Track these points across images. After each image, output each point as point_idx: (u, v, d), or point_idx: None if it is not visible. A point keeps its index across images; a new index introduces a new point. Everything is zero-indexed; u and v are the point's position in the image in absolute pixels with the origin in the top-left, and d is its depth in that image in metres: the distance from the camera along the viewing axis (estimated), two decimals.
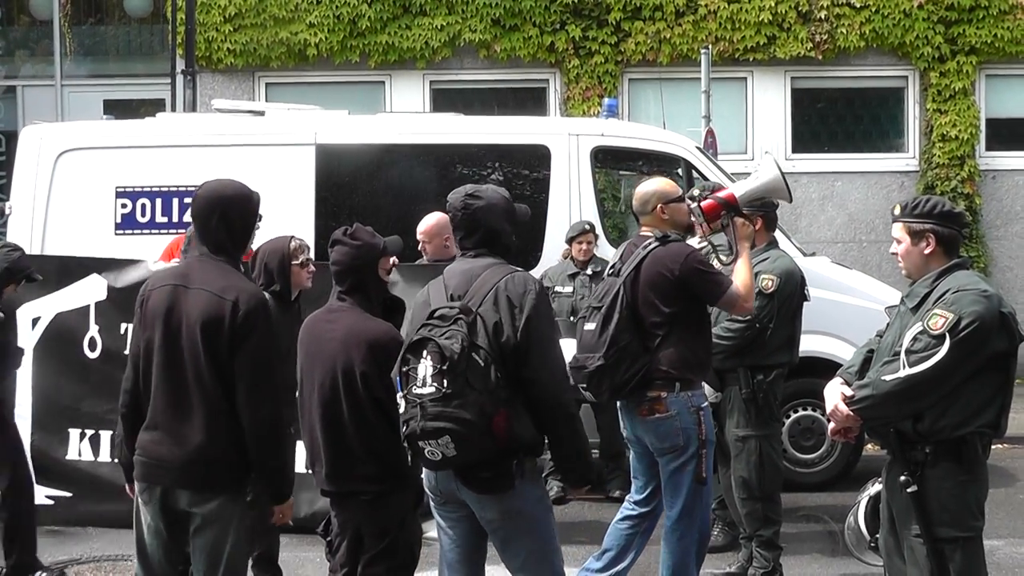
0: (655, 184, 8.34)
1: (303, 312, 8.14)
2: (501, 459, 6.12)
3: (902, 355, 6.07)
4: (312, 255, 8.90)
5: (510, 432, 6.05)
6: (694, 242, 8.39)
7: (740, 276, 8.02)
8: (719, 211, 8.06)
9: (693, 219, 8.16)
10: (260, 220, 7.28)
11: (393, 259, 7.70)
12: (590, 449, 6.74)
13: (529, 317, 6.15)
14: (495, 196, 6.70)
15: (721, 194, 8.25)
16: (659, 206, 8.06)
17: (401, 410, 6.11)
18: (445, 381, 5.90)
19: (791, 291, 9.44)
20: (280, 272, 8.46)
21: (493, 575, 7.01)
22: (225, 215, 6.38)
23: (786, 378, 9.84)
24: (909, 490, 6.19)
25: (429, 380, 5.96)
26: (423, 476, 6.65)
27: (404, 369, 6.11)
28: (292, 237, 8.86)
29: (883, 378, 6.14)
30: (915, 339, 6.06)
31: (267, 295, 6.66)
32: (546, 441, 6.42)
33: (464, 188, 6.73)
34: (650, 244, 7.83)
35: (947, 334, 5.93)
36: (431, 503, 6.71)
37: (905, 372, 6.02)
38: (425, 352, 6.00)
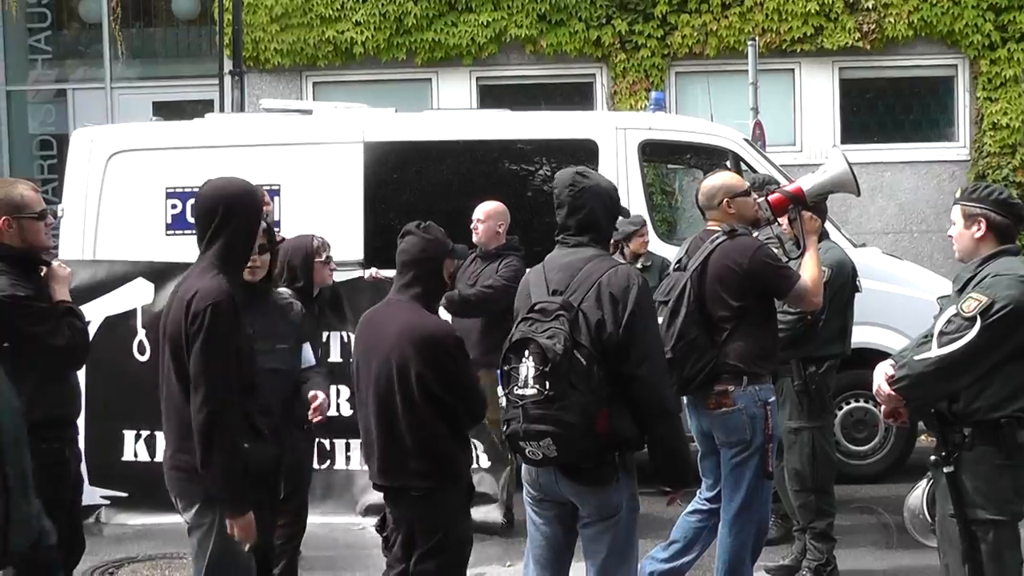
0: (721, 178, 8.30)
1: (325, 309, 8.24)
2: (603, 453, 6.15)
3: (934, 336, 6.24)
4: (361, 254, 8.92)
5: (612, 429, 6.09)
6: (762, 236, 8.36)
7: (808, 270, 8.02)
8: (786, 205, 8.09)
9: (760, 213, 8.12)
10: (267, 219, 7.41)
11: (457, 262, 7.98)
12: (688, 448, 6.71)
13: (632, 313, 6.14)
14: (603, 181, 6.75)
15: (789, 188, 8.31)
16: (725, 200, 8.01)
17: (502, 408, 6.27)
18: (547, 383, 5.93)
19: (842, 282, 9.37)
20: (303, 269, 8.60)
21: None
22: (231, 212, 6.36)
23: (838, 369, 9.78)
24: (945, 470, 6.34)
25: (531, 382, 6.01)
26: (522, 469, 6.65)
27: (506, 368, 6.20)
28: (314, 236, 8.96)
29: (915, 358, 6.31)
30: (949, 321, 6.22)
31: (230, 295, 6.12)
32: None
33: (574, 168, 6.77)
34: (717, 238, 7.79)
35: (978, 316, 6.06)
36: (526, 499, 6.73)
37: (936, 353, 6.18)
38: (527, 352, 6.05)
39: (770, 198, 8.17)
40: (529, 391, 6.00)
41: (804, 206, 8.22)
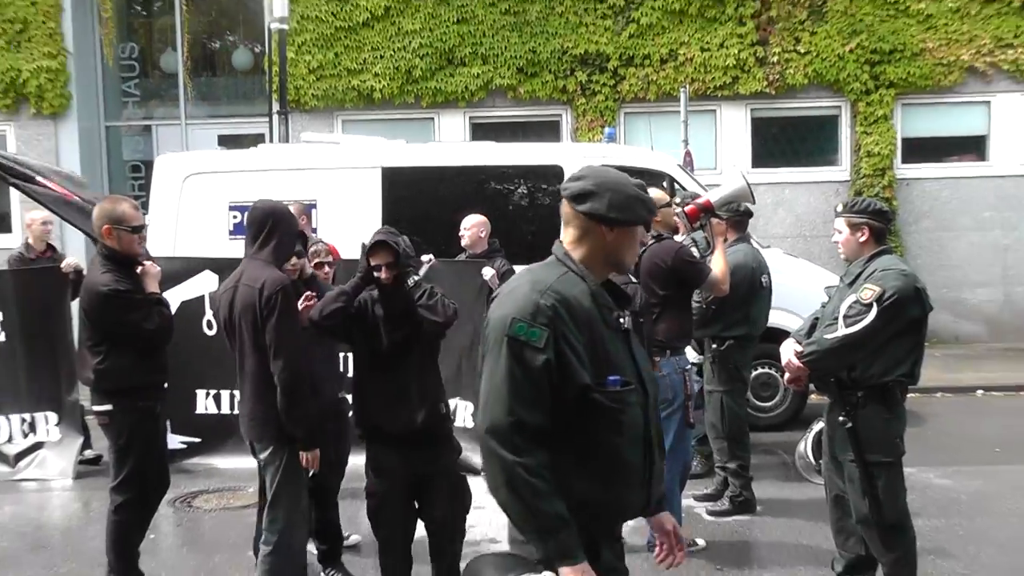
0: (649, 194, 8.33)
1: None
2: None
3: (840, 319, 6.38)
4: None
5: None
6: (680, 239, 8.70)
7: (717, 265, 8.40)
8: (699, 214, 8.38)
9: (678, 221, 8.48)
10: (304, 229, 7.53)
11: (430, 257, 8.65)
12: None
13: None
14: None
15: (700, 200, 8.51)
16: None
17: None
18: None
19: (741, 278, 9.48)
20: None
21: None
22: (280, 223, 6.80)
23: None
24: (846, 426, 6.51)
25: None
26: None
27: None
28: (320, 240, 9.07)
29: (825, 336, 6.43)
30: (850, 307, 6.37)
31: (290, 283, 6.72)
32: None
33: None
34: (647, 242, 7.96)
35: (875, 303, 6.29)
36: None
37: (842, 332, 6.34)
38: None
39: (686, 209, 8.47)
40: None
41: (712, 214, 8.55)
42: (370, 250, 6.55)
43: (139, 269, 7.25)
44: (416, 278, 6.54)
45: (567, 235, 3.87)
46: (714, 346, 9.81)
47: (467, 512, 6.70)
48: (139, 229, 7.23)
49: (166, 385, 7.64)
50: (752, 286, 9.75)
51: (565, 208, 3.85)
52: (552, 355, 3.51)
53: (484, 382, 3.63)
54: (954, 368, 16.21)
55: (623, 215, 3.75)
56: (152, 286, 7.28)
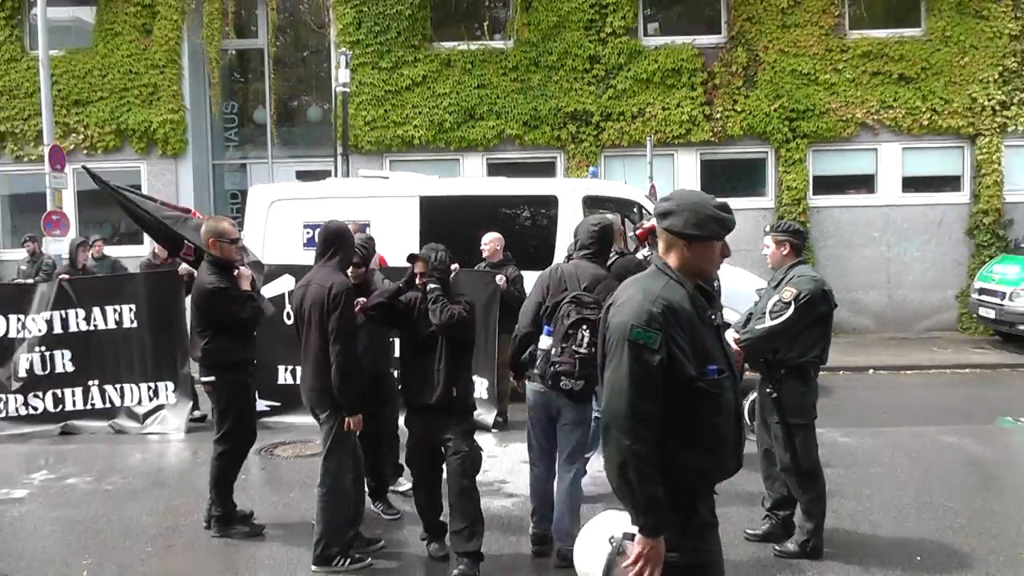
0: (610, 219, 8.29)
1: None
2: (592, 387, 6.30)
3: (767, 314, 6.56)
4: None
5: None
6: (641, 254, 8.67)
7: None
8: (647, 236, 8.41)
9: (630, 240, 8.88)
10: (365, 243, 7.59)
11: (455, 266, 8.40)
12: None
13: None
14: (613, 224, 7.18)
15: (647, 225, 8.44)
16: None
17: (556, 354, 6.36)
18: (592, 349, 6.05)
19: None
20: None
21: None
22: (343, 239, 6.91)
23: None
24: (772, 396, 6.74)
25: (585, 346, 6.21)
26: (529, 394, 6.77)
27: (570, 332, 6.28)
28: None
29: (756, 327, 6.58)
30: (775, 304, 6.55)
31: (352, 286, 6.85)
32: None
33: (596, 215, 7.33)
34: (612, 256, 7.89)
35: (793, 302, 6.46)
36: (529, 413, 6.87)
37: (768, 324, 6.51)
38: (585, 326, 6.22)
39: (637, 232, 8.81)
40: (583, 351, 6.23)
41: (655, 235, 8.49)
42: (411, 259, 6.74)
43: (235, 272, 7.48)
44: (433, 286, 6.49)
45: (661, 247, 3.79)
46: None
47: (475, 468, 6.62)
48: (235, 241, 7.49)
49: (255, 362, 7.76)
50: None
51: (657, 224, 3.78)
52: (664, 354, 3.45)
53: (608, 379, 3.55)
54: (851, 353, 16.22)
55: (699, 231, 3.67)
56: (245, 285, 7.48)
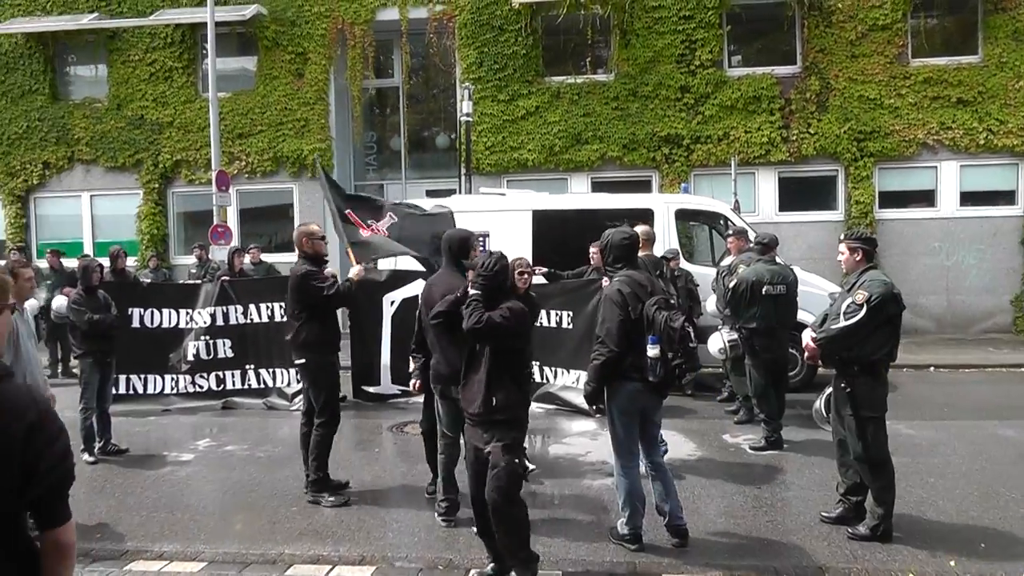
0: (639, 229, 8.07)
1: None
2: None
3: (841, 315, 6.28)
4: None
5: None
6: (727, 261, 8.32)
7: None
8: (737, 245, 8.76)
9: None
10: (482, 248, 7.42)
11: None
12: None
13: None
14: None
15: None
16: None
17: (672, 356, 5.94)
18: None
19: (743, 290, 9.41)
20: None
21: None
22: (463, 246, 6.87)
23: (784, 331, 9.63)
24: (846, 391, 6.42)
25: (692, 339, 5.95)
26: (625, 400, 6.15)
27: (686, 330, 5.92)
28: (521, 256, 8.84)
29: (831, 327, 6.34)
30: (848, 306, 6.29)
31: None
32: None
33: (624, 229, 6.62)
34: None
35: (865, 304, 6.18)
36: (625, 416, 6.27)
37: (842, 324, 6.25)
38: (688, 323, 5.96)
39: (728, 240, 9.55)
40: (692, 344, 5.94)
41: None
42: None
43: (324, 265, 7.83)
44: (475, 292, 5.55)
45: None
46: (738, 333, 9.55)
47: (511, 486, 5.44)
48: (322, 238, 7.77)
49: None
50: (754, 295, 9.33)
51: None
52: None
53: None
54: (913, 351, 15.51)
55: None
56: (328, 272, 7.74)
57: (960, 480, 8.02)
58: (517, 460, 5.46)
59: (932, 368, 14.51)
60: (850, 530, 6.56)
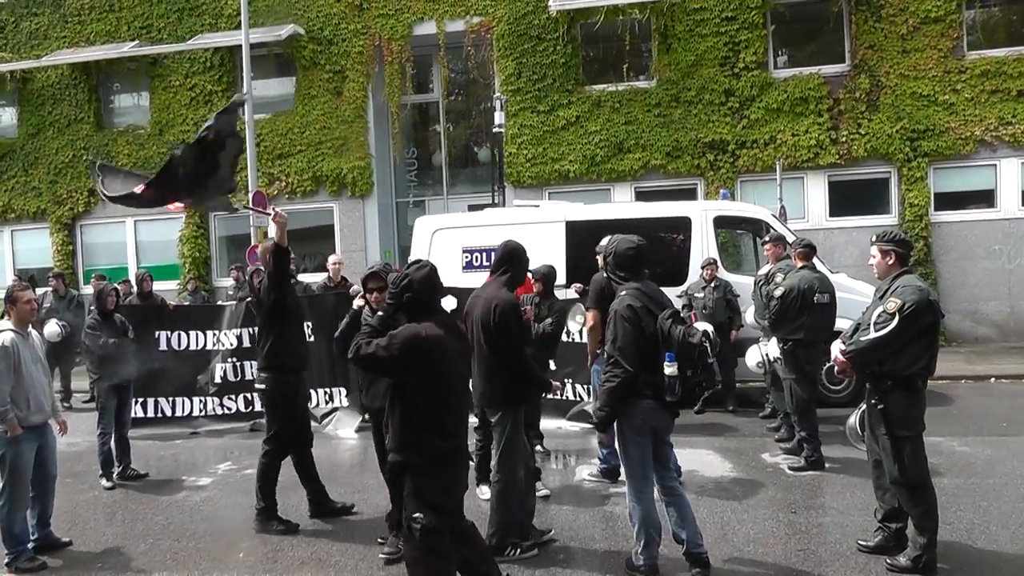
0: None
1: None
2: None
3: (871, 326, 5.74)
4: (564, 280, 8.47)
5: None
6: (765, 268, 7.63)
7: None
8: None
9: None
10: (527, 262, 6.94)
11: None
12: None
13: None
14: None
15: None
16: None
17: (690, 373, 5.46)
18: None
19: (792, 298, 8.73)
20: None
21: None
22: (517, 259, 6.71)
23: (824, 343, 8.66)
24: (879, 407, 5.85)
25: (710, 354, 5.47)
26: (639, 420, 5.65)
27: (703, 345, 5.39)
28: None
29: (860, 339, 5.79)
30: (879, 316, 5.75)
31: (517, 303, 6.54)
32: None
33: (631, 238, 6.13)
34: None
35: (897, 313, 5.63)
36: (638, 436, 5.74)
37: (872, 336, 5.72)
38: (705, 337, 5.45)
39: (765, 248, 8.81)
40: (711, 358, 5.42)
41: None
42: None
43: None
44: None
45: None
46: (782, 345, 8.75)
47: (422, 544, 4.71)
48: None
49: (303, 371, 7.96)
50: (804, 303, 8.66)
51: None
52: None
53: None
54: (973, 362, 14.61)
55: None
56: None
57: (1018, 504, 7.22)
58: (416, 515, 4.67)
59: (993, 379, 13.42)
60: (889, 561, 5.91)
